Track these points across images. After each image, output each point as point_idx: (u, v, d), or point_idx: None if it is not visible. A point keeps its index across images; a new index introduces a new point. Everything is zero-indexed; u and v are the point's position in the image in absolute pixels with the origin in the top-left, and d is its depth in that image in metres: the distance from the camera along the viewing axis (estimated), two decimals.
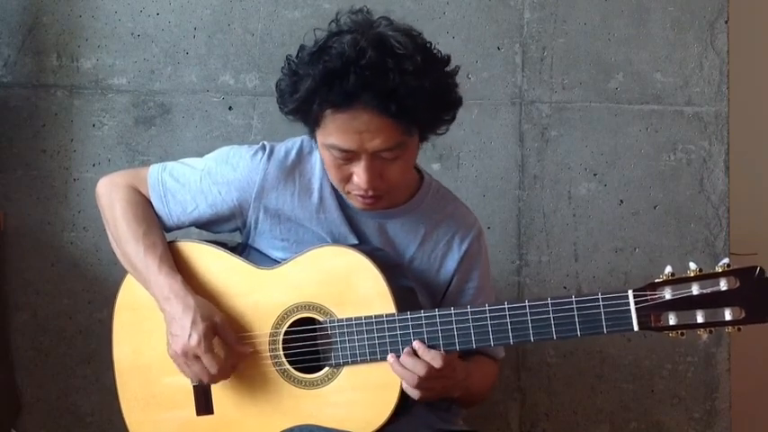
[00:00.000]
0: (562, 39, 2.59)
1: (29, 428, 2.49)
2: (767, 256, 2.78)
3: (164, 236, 1.90)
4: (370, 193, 1.75)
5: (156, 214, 1.92)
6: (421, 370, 1.70)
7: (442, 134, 1.82)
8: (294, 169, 1.88)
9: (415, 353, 1.72)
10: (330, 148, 1.73)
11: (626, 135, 2.59)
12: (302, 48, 1.74)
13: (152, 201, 1.92)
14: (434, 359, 1.70)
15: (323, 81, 1.66)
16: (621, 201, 2.59)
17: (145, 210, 1.90)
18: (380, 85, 1.63)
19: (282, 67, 1.76)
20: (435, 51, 1.75)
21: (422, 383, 1.70)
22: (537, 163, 2.58)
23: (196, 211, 1.91)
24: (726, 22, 2.59)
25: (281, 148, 1.89)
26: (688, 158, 2.59)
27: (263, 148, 1.90)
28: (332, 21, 1.74)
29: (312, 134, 1.78)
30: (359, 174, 1.72)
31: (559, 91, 2.58)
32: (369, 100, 1.64)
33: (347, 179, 1.76)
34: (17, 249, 2.49)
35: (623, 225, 2.59)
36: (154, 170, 1.93)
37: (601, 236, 2.59)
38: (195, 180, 1.90)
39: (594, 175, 2.59)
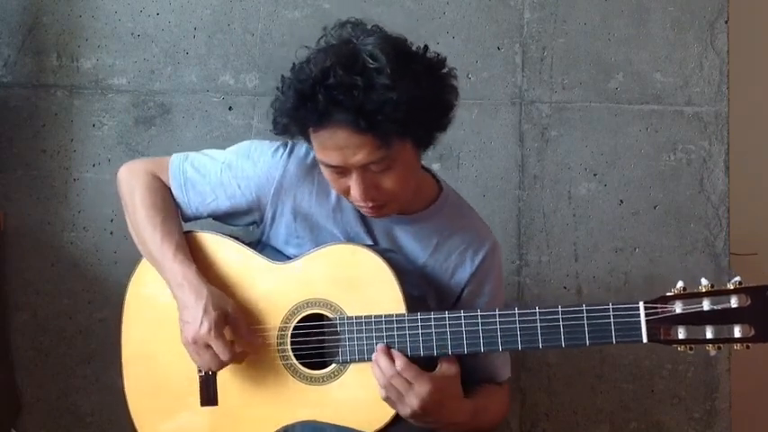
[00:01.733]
0: (562, 39, 2.59)
1: (29, 428, 2.49)
2: (767, 256, 2.79)
3: (181, 225, 1.92)
4: (370, 204, 1.76)
5: (176, 202, 1.93)
6: (385, 365, 1.72)
7: (434, 143, 1.80)
8: (314, 168, 1.88)
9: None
10: (322, 164, 1.75)
11: (626, 135, 2.59)
12: (293, 66, 1.74)
13: (172, 189, 1.93)
14: (398, 357, 1.73)
15: (297, 103, 1.68)
16: (621, 201, 2.59)
17: (164, 197, 1.92)
18: (347, 102, 1.62)
19: (277, 87, 1.77)
20: (431, 56, 1.73)
21: (391, 389, 1.71)
22: (537, 163, 2.58)
23: (215, 203, 1.92)
24: (726, 22, 2.59)
25: (302, 147, 1.90)
26: (688, 158, 2.60)
27: (285, 144, 1.91)
28: (321, 36, 1.74)
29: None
30: (353, 187, 1.73)
31: (559, 91, 2.58)
32: (341, 118, 1.64)
33: (346, 192, 1.76)
34: (17, 249, 2.48)
35: (623, 225, 2.59)
36: (175, 159, 1.95)
37: (601, 236, 2.59)
38: (216, 172, 1.92)
39: (594, 175, 2.59)
